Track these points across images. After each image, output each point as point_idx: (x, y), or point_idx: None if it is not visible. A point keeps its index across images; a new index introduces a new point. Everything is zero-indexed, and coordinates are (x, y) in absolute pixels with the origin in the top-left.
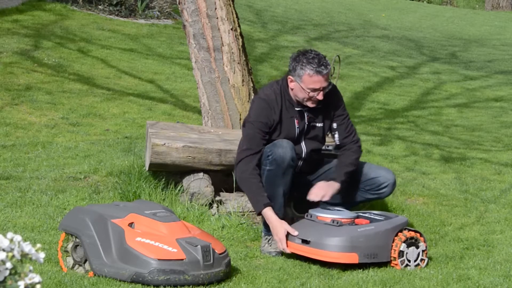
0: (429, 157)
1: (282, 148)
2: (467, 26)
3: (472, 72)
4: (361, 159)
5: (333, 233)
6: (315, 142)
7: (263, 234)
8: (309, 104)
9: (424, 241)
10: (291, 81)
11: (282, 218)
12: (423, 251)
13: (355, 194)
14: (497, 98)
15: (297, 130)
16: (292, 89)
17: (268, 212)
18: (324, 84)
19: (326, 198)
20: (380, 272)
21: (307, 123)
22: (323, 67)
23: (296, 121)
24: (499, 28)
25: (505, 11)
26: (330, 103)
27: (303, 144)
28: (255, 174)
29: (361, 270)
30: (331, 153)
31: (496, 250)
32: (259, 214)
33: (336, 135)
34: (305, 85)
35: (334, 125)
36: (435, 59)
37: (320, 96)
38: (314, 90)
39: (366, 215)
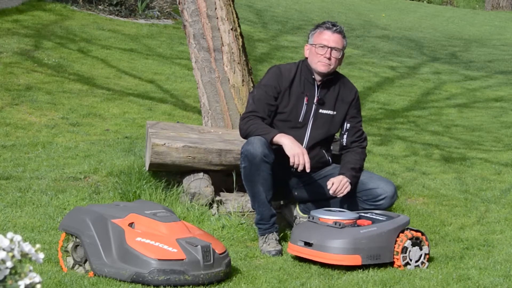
0: (429, 157)
1: (252, 145)
2: (467, 26)
3: (472, 72)
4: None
5: (335, 235)
6: (322, 132)
7: (258, 234)
8: (320, 66)
9: (428, 244)
10: (307, 48)
11: (271, 215)
12: (425, 254)
13: (352, 202)
14: (497, 98)
15: (304, 107)
16: (307, 58)
17: (282, 137)
18: (332, 43)
19: (340, 195)
20: (380, 272)
21: (315, 104)
22: (332, 26)
23: (305, 98)
24: (499, 28)
25: (505, 11)
26: (346, 96)
27: (308, 129)
28: (257, 121)
29: (361, 270)
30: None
31: (496, 250)
32: (273, 143)
33: (345, 136)
34: (315, 41)
35: (348, 125)
36: (435, 59)
37: (327, 54)
38: (322, 46)
39: (368, 215)
